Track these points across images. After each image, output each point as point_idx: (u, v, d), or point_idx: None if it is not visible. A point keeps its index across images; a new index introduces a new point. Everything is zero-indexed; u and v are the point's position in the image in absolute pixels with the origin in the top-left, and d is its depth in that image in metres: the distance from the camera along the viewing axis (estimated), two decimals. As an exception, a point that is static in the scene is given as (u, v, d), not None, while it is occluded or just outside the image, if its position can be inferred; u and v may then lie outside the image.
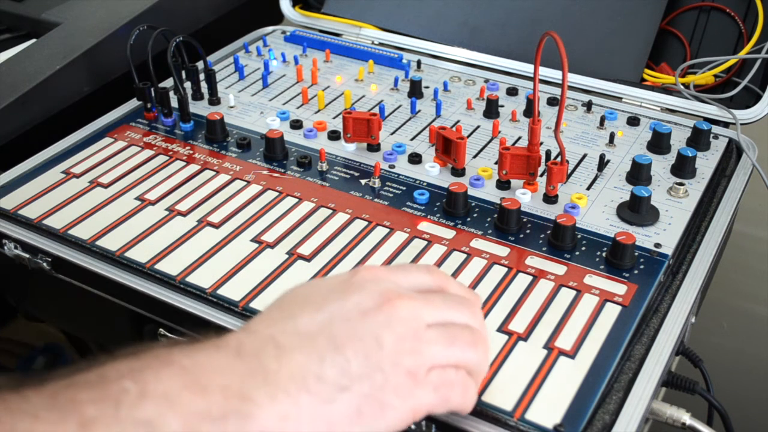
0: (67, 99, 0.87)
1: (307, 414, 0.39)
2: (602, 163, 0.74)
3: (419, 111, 0.85)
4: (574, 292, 0.60)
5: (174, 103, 0.82)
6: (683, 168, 0.74)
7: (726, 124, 0.83)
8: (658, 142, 0.77)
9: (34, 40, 0.94)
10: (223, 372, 0.39)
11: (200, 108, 0.85)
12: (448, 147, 0.73)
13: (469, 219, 0.68)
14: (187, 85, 0.87)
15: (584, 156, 0.77)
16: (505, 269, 0.62)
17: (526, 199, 0.70)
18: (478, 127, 0.82)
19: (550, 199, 0.70)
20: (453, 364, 0.45)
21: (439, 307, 0.46)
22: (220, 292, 0.60)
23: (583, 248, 0.64)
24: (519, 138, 0.80)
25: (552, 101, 0.86)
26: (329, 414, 0.40)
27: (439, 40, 0.97)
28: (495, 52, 0.94)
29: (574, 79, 0.89)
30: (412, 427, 0.51)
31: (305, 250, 0.64)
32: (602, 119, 0.82)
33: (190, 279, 0.61)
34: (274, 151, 0.76)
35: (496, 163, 0.75)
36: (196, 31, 1.02)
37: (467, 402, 0.46)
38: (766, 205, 1.02)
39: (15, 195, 0.71)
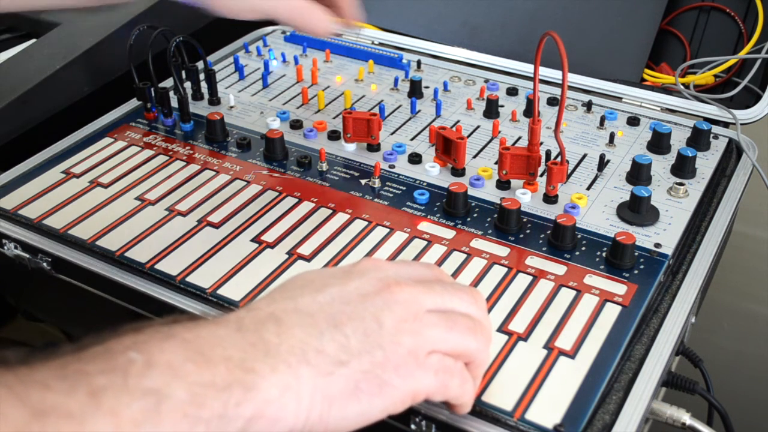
0: (67, 99, 0.87)
1: (306, 386, 0.40)
2: (602, 163, 0.74)
3: (419, 111, 0.85)
4: (574, 292, 0.60)
5: (174, 103, 0.82)
6: (683, 168, 0.74)
7: (726, 124, 0.83)
8: (658, 142, 0.77)
9: (34, 40, 0.94)
10: (225, 345, 0.39)
11: (200, 108, 0.85)
12: (448, 147, 0.73)
13: (469, 219, 0.68)
14: (187, 85, 0.87)
15: (584, 156, 0.77)
16: (505, 269, 0.62)
17: (526, 199, 0.70)
18: (478, 127, 0.82)
19: (550, 199, 0.70)
20: (452, 351, 0.45)
21: (439, 294, 0.46)
22: (220, 292, 0.60)
23: (583, 248, 0.64)
24: (519, 138, 0.80)
25: (552, 101, 0.86)
26: (328, 387, 0.40)
27: (439, 40, 0.97)
28: (495, 52, 0.94)
29: (574, 79, 0.89)
30: (413, 427, 0.51)
31: (305, 250, 0.64)
32: (602, 119, 0.82)
33: (190, 279, 0.61)
34: (274, 151, 0.76)
35: (496, 163, 0.75)
36: (196, 31, 1.02)
37: (465, 394, 0.46)
38: (766, 205, 1.02)
39: (15, 195, 0.71)
